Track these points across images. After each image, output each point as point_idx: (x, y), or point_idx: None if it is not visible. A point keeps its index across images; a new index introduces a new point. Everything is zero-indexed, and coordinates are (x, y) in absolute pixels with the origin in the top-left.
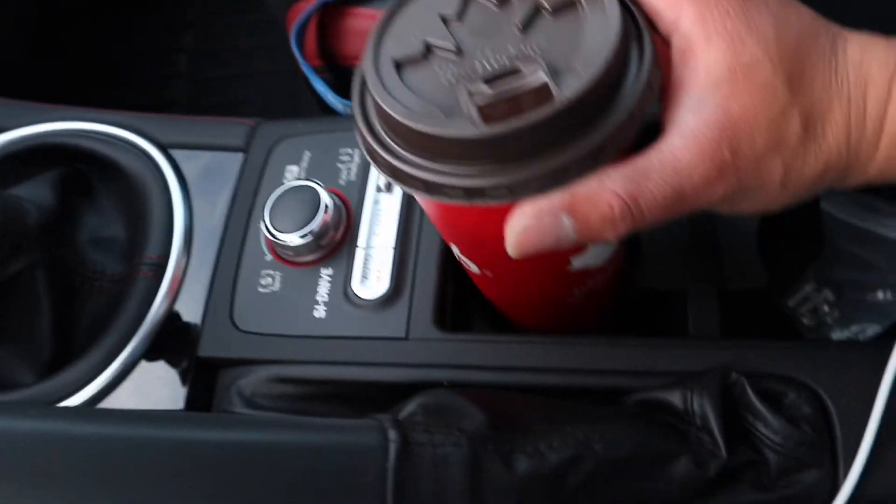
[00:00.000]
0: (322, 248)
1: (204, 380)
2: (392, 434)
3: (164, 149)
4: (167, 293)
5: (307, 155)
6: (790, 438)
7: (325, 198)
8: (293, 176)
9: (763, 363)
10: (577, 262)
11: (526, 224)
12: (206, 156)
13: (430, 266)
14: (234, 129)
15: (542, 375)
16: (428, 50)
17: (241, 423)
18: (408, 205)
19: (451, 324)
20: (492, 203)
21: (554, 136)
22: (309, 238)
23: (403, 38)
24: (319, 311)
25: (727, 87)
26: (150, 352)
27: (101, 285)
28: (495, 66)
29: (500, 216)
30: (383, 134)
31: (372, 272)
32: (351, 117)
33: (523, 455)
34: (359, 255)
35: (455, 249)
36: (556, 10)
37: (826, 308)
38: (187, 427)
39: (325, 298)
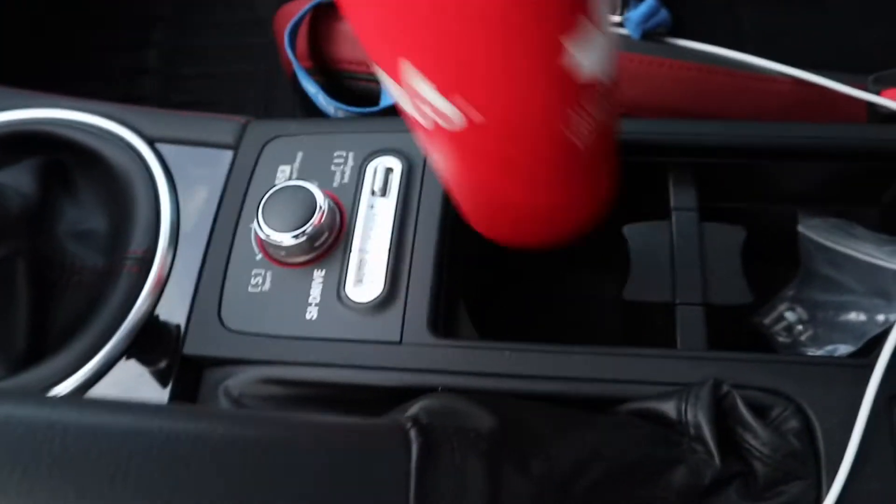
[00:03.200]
0: (315, 249)
1: (188, 378)
2: (413, 434)
3: (150, 142)
4: (152, 289)
5: (300, 155)
6: (778, 450)
7: (321, 199)
8: (285, 176)
9: (749, 376)
10: (576, 54)
11: None
12: (195, 152)
13: (425, 271)
14: (224, 125)
15: (535, 382)
16: None
17: (261, 419)
18: (403, 209)
19: (445, 329)
20: None
21: None
22: (303, 239)
23: None
24: (311, 313)
25: None
26: (133, 348)
27: (81, 279)
28: None
29: None
30: None
31: (366, 276)
32: (344, 120)
33: (536, 460)
34: (353, 258)
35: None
36: None
37: (800, 327)
38: (205, 420)
39: (318, 300)
